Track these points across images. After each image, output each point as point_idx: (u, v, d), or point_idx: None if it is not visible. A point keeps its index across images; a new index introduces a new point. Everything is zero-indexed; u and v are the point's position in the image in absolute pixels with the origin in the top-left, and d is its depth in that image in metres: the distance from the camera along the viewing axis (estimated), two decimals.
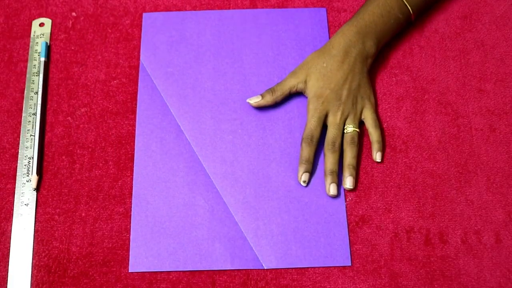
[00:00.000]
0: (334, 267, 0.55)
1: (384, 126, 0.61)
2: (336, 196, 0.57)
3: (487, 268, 0.55)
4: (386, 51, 0.65)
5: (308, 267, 0.55)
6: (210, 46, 0.65)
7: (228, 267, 0.55)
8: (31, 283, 0.54)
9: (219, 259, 0.55)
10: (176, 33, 0.66)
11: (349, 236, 0.56)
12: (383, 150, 0.59)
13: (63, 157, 0.60)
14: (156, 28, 0.66)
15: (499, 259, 0.55)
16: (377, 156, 0.59)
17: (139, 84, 0.63)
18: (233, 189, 0.58)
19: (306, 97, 0.61)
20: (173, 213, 0.57)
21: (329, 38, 0.65)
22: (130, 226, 0.57)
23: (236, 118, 0.61)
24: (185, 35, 0.66)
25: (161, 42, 0.65)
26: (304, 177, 0.57)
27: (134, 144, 0.60)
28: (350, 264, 0.55)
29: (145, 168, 0.59)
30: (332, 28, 0.66)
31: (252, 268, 0.55)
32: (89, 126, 0.61)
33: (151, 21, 0.66)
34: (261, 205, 0.57)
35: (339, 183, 0.58)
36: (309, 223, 0.57)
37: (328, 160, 0.58)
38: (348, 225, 0.57)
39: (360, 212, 0.57)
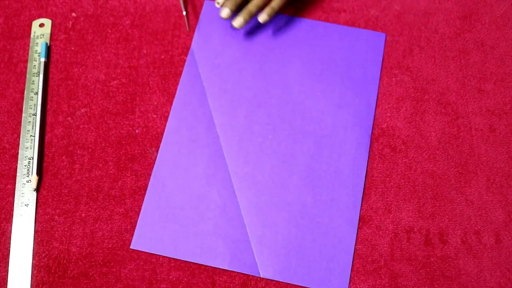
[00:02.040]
0: None
1: (384, 126, 0.61)
2: (236, 28, 0.65)
3: (487, 268, 0.55)
4: (386, 51, 0.65)
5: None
6: (261, 46, 0.65)
7: (226, 267, 0.55)
8: (31, 283, 0.54)
9: (219, 257, 0.55)
10: (232, 26, 0.67)
11: (352, 265, 0.55)
12: (271, 16, 0.63)
13: (63, 157, 0.60)
14: (213, 18, 0.67)
15: (499, 259, 0.55)
16: (261, 18, 0.63)
17: (184, 68, 0.63)
18: (249, 192, 0.58)
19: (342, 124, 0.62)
20: (185, 202, 0.57)
21: (382, 65, 0.65)
22: (130, 226, 0.57)
23: (270, 124, 0.61)
24: (240, 30, 0.66)
25: (215, 32, 0.66)
26: (225, 13, 0.62)
27: (133, 145, 0.60)
28: None
29: (170, 150, 0.59)
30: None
31: (248, 273, 0.55)
32: (89, 126, 0.61)
33: (210, 9, 0.67)
34: (273, 213, 0.57)
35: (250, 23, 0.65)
36: (315, 243, 0.56)
37: (253, 1, 0.63)
38: None
39: (360, 212, 0.57)
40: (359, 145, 0.60)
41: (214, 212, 0.57)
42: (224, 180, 0.58)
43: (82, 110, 0.62)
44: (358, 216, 0.57)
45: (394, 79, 0.64)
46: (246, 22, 0.63)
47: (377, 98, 0.63)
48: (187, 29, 0.59)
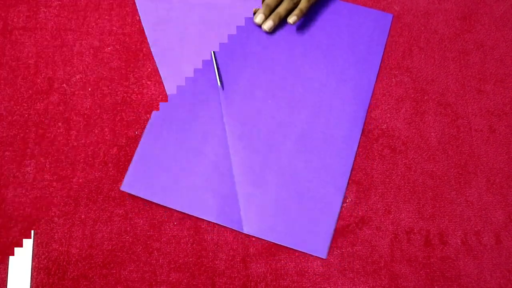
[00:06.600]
0: (335, 268, 0.55)
1: (384, 127, 0.61)
2: (266, 32, 0.65)
3: (487, 269, 0.55)
4: (386, 52, 0.65)
5: (291, 250, 0.55)
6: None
7: (211, 219, 0.56)
8: (30, 285, 0.54)
9: (205, 210, 0.56)
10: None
11: (334, 230, 0.56)
12: (299, 17, 0.64)
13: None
14: None
15: (499, 260, 0.55)
16: (291, 19, 0.64)
17: None
18: (244, 151, 0.59)
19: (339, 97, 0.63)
20: (179, 153, 0.59)
21: (385, 45, 0.65)
22: (129, 228, 0.56)
23: (270, 90, 0.62)
24: None
25: None
26: (259, 18, 0.65)
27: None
28: (325, 257, 0.55)
29: (171, 100, 0.61)
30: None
31: (232, 228, 0.56)
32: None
33: None
34: (264, 174, 0.58)
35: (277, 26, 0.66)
36: (301, 206, 0.57)
37: (282, 5, 0.65)
38: (348, 226, 0.57)
39: (360, 213, 0.57)
40: (355, 117, 0.61)
41: (207, 166, 0.58)
42: (220, 138, 0.60)
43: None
44: (346, 184, 0.58)
45: (394, 79, 0.64)
46: (276, 24, 0.65)
47: (377, 99, 0.63)
48: (219, 84, 0.61)
